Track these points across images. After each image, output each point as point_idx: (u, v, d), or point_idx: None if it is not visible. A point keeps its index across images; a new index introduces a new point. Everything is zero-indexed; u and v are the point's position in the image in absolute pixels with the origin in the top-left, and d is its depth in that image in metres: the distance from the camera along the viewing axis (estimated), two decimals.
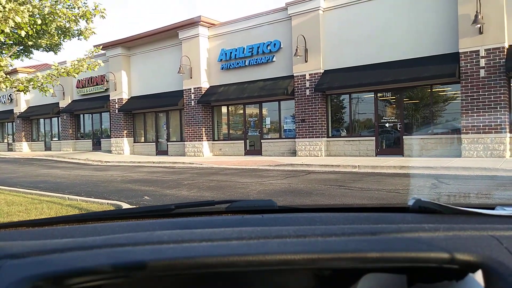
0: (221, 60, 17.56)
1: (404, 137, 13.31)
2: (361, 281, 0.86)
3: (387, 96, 14.03)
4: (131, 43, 20.66)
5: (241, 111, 17.61)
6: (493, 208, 0.99)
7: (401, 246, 0.77)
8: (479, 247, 0.77)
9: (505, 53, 11.20)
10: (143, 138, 21.53)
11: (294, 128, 15.60)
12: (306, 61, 14.93)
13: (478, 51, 11.52)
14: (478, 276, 0.75)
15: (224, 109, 18.30)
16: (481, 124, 11.48)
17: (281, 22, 15.85)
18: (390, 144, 13.81)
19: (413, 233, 0.82)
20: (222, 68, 17.58)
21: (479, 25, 11.26)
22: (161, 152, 20.21)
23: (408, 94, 13.68)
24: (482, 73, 11.48)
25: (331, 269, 0.86)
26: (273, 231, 0.82)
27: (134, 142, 21.59)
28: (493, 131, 11.33)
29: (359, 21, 13.96)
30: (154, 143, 20.72)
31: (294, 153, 15.53)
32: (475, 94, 11.57)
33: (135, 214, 1.16)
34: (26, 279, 0.70)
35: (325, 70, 14.76)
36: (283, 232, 0.82)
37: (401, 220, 0.92)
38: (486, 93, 11.41)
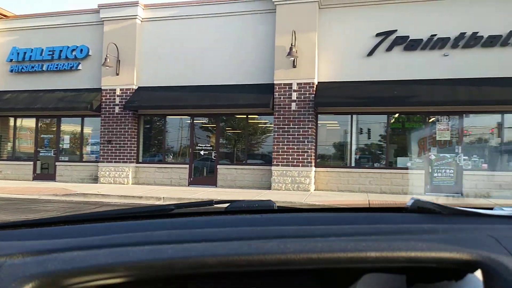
0: (11, 60, 14.11)
1: (218, 166, 12.44)
2: (361, 281, 0.86)
3: (205, 122, 13.10)
4: None
5: (33, 126, 14.30)
6: (491, 208, 0.98)
7: (400, 246, 0.77)
8: (478, 247, 0.77)
9: (315, 88, 11.47)
10: None
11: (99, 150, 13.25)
12: (117, 74, 12.94)
13: (291, 84, 11.55)
14: (477, 276, 0.76)
15: (11, 121, 14.64)
16: (290, 157, 11.39)
17: (92, 26, 13.60)
18: (205, 174, 12.78)
19: (412, 233, 0.82)
20: (12, 71, 14.12)
21: (293, 58, 11.30)
22: None
23: (227, 122, 13.01)
24: (294, 106, 11.51)
25: (331, 269, 0.82)
26: (273, 231, 0.82)
27: None
28: (300, 164, 11.34)
29: (180, 38, 12.82)
30: None
31: (96, 179, 13.11)
32: (286, 126, 11.48)
33: (134, 214, 1.10)
34: (25, 278, 0.70)
35: (139, 87, 13.04)
36: (282, 232, 0.82)
37: (400, 220, 0.91)
38: (296, 126, 11.43)
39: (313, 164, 11.47)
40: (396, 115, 11.69)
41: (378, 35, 11.35)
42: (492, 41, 10.60)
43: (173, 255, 0.74)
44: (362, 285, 0.86)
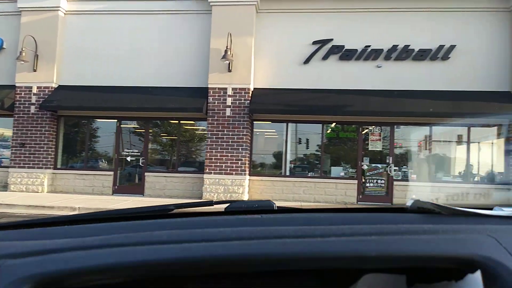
0: None
1: (146, 174, 11.58)
2: (361, 281, 0.87)
3: (133, 126, 12.19)
4: None
5: None
6: (491, 209, 0.98)
7: (400, 247, 0.77)
8: (477, 247, 0.78)
9: (250, 94, 11.07)
10: None
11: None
12: (34, 70, 11.68)
13: (226, 89, 11.06)
14: (477, 276, 0.76)
15: None
16: (223, 165, 10.85)
17: (8, 17, 12.22)
18: (131, 181, 11.85)
19: (412, 233, 0.82)
20: None
21: (228, 62, 10.84)
22: None
23: (157, 126, 12.21)
24: (228, 112, 11.01)
25: (331, 269, 0.85)
26: (273, 231, 0.82)
27: None
28: (234, 172, 10.84)
29: (109, 35, 11.87)
30: None
31: (6, 186, 11.66)
32: (220, 132, 10.95)
33: (134, 214, 1.09)
34: (25, 278, 0.70)
35: (60, 85, 11.85)
36: (282, 232, 0.82)
37: (400, 220, 0.90)
38: (231, 132, 10.94)
39: (247, 172, 11.03)
40: (333, 125, 11.60)
41: (314, 43, 11.23)
42: (422, 55, 10.88)
43: (173, 255, 0.74)
44: (362, 285, 0.87)
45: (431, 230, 0.82)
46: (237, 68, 11.05)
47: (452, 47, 10.80)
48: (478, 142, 11.25)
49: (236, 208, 1.11)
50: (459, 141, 11.29)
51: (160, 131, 12.29)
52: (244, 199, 10.80)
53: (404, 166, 11.17)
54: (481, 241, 0.79)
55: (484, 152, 11.29)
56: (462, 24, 10.89)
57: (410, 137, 11.47)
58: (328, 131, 11.67)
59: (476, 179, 11.08)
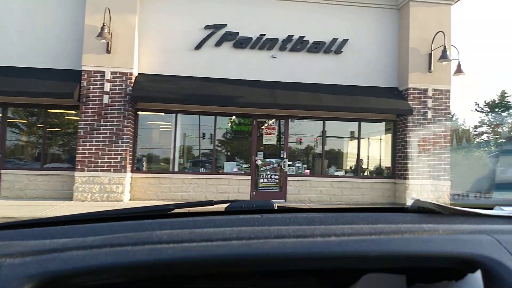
0: None
1: (2, 171, 9.59)
2: (361, 281, 0.87)
3: None
4: None
5: None
6: (491, 209, 0.99)
7: (401, 246, 0.77)
8: (478, 247, 0.77)
9: (133, 80, 9.76)
10: None
11: None
12: None
13: (104, 72, 9.59)
14: (477, 276, 0.76)
15: None
16: (99, 160, 9.40)
17: None
18: None
19: (413, 233, 0.82)
20: None
21: (105, 41, 9.38)
22: None
23: (17, 114, 10.22)
24: (106, 99, 9.57)
25: (331, 269, 0.84)
26: (273, 231, 0.81)
27: None
28: (112, 169, 9.44)
29: None
30: None
31: None
32: (96, 123, 9.45)
33: (134, 214, 1.06)
34: (25, 278, 0.68)
35: None
36: (282, 232, 0.81)
37: (401, 220, 0.91)
38: (109, 123, 9.50)
39: (128, 169, 9.70)
40: (233, 118, 10.82)
41: (207, 27, 10.33)
42: (317, 47, 10.63)
43: (173, 255, 0.73)
44: (362, 285, 0.86)
45: (432, 229, 0.82)
46: (118, 50, 9.65)
47: (345, 41, 10.72)
48: (368, 138, 11.40)
49: (236, 208, 1.09)
50: (351, 137, 11.31)
51: (22, 121, 10.32)
52: (124, 199, 9.49)
53: (298, 161, 10.84)
54: (482, 241, 0.79)
55: (373, 147, 11.48)
56: (354, 18, 10.87)
57: (306, 131, 11.20)
58: (229, 124, 10.90)
59: (366, 173, 11.20)
